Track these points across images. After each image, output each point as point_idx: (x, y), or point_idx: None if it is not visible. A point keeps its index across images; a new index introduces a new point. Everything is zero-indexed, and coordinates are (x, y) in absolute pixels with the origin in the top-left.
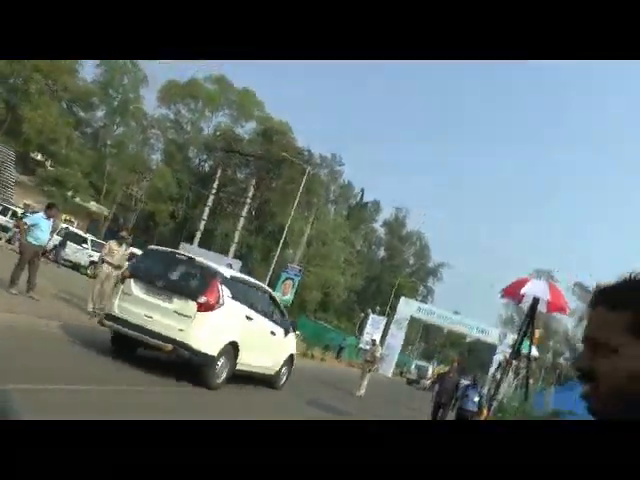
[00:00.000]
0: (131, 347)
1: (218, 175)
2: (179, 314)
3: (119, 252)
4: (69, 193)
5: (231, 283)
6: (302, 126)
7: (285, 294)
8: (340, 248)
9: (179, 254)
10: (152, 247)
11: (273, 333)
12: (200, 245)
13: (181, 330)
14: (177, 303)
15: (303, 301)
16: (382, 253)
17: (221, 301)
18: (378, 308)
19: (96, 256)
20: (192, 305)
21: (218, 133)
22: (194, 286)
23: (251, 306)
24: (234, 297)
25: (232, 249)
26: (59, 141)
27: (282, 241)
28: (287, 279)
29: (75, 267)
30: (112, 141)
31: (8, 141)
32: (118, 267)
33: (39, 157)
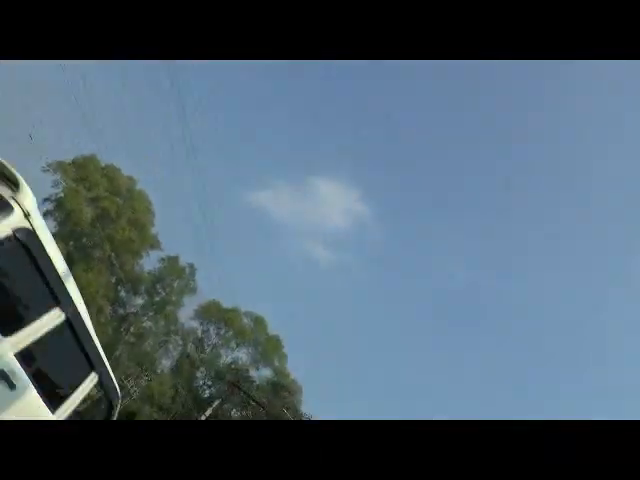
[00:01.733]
0: None
1: (215, 405)
2: None
3: None
4: None
5: None
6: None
7: None
8: None
9: None
10: None
11: None
12: None
13: None
14: None
15: None
16: None
17: None
18: None
19: None
20: None
21: (233, 367)
22: None
23: None
24: None
25: None
26: (91, 307)
27: None
28: None
29: None
30: (135, 330)
31: None
32: None
33: None
